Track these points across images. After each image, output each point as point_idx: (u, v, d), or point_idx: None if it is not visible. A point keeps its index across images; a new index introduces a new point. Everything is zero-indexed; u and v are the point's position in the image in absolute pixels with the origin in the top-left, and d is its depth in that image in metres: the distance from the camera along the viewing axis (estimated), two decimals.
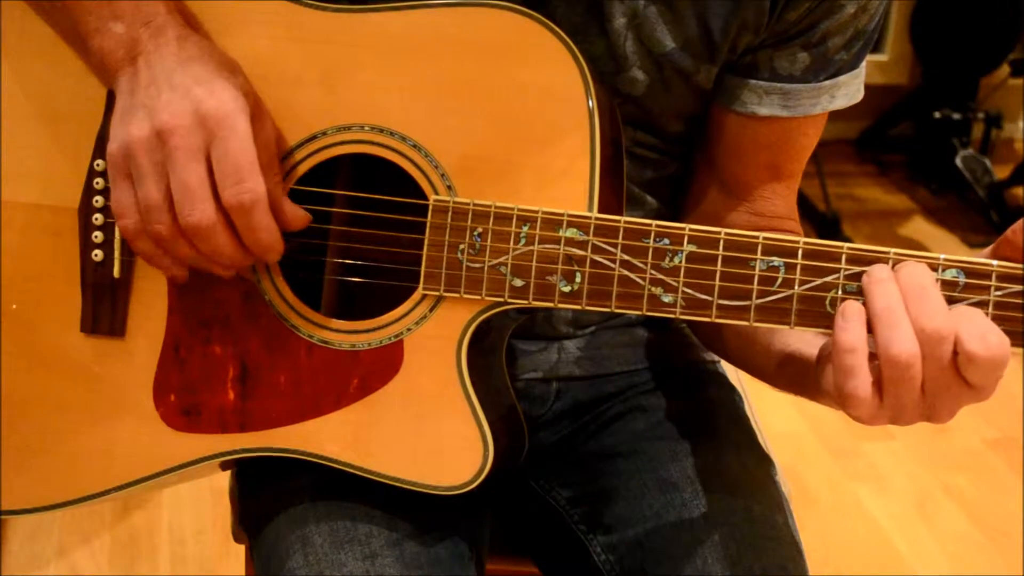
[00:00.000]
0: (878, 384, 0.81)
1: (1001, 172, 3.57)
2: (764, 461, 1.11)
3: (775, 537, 1.02)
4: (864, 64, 1.02)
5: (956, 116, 3.60)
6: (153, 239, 0.88)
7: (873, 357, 0.81)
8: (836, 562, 2.14)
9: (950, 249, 3.37)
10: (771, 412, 2.46)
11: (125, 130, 0.87)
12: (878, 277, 0.82)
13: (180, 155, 0.85)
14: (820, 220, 3.34)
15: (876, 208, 3.63)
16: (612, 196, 0.93)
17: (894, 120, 3.81)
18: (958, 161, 3.55)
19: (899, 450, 2.47)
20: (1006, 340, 0.79)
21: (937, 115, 3.61)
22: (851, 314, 0.82)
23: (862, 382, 0.80)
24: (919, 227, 3.50)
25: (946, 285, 0.82)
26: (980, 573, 2.14)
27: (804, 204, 3.41)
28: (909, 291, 0.80)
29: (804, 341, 0.93)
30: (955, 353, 0.79)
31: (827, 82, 0.99)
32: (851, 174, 3.78)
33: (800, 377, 0.92)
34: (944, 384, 0.80)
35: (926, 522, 2.26)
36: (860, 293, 0.83)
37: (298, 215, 0.92)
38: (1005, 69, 3.59)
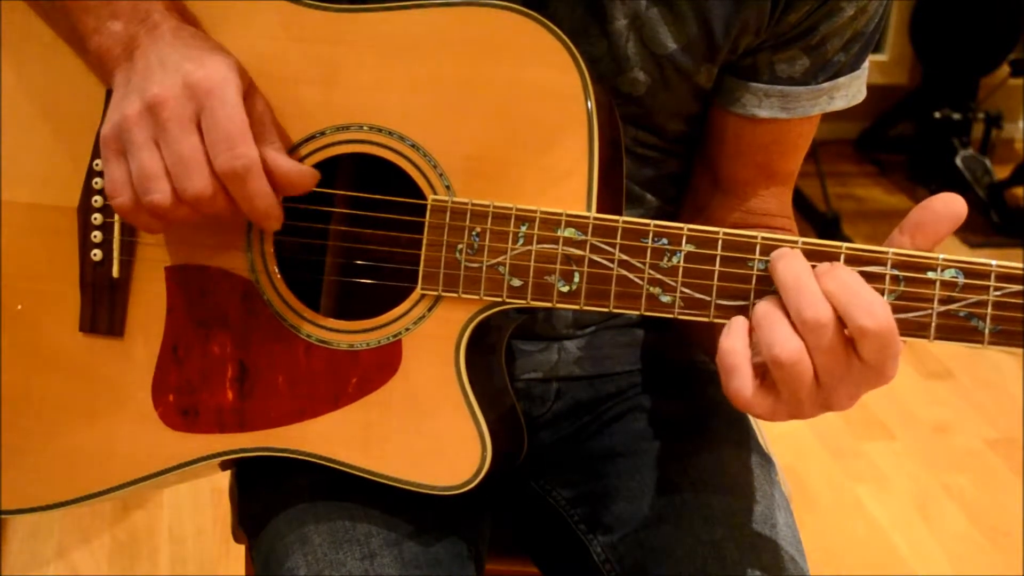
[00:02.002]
0: (768, 383, 0.81)
1: (1001, 172, 3.57)
2: (764, 461, 1.11)
3: (775, 537, 1.01)
4: (866, 65, 1.02)
5: (956, 116, 3.61)
6: (150, 211, 0.87)
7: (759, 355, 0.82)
8: (836, 562, 2.14)
9: (950, 249, 3.31)
10: None
11: (118, 112, 0.87)
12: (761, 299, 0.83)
13: (172, 126, 0.85)
14: (820, 220, 3.35)
15: (876, 208, 3.63)
16: (612, 196, 0.93)
17: (894, 120, 3.81)
18: (958, 161, 3.55)
19: (899, 450, 2.47)
20: (889, 309, 0.80)
21: (937, 115, 3.61)
22: (733, 323, 0.83)
23: (744, 382, 0.81)
24: None
25: (945, 285, 0.82)
26: (980, 573, 2.14)
27: (804, 204, 3.41)
28: (784, 285, 0.81)
29: None
30: (847, 337, 0.79)
31: (826, 84, 0.99)
32: (851, 174, 3.78)
33: None
34: (838, 371, 0.80)
35: (926, 522, 2.26)
36: None
37: (306, 173, 0.90)
38: (1005, 69, 3.59)
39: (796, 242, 0.84)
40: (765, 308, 0.82)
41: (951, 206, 0.82)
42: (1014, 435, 2.49)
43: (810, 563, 1.03)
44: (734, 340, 0.82)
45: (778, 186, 1.06)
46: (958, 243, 3.38)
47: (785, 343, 0.79)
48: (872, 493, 2.34)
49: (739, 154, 1.04)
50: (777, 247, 0.84)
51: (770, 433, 1.22)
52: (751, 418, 1.18)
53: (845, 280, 0.80)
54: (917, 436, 2.51)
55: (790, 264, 0.82)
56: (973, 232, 3.42)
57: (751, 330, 0.83)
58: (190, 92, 0.85)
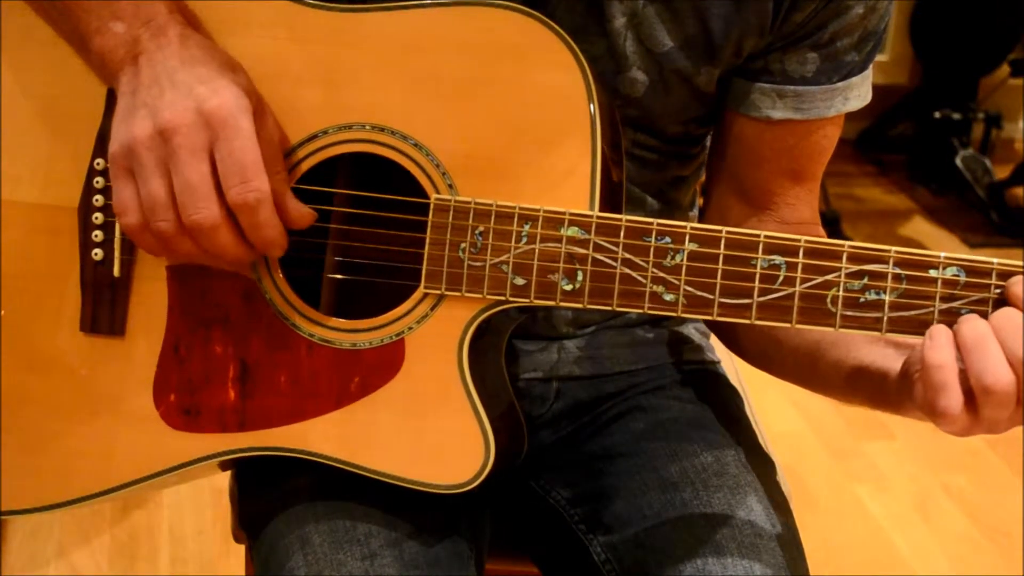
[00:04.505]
0: (972, 401, 0.81)
1: (1001, 172, 3.57)
2: (764, 461, 1.11)
3: (775, 537, 1.01)
4: (871, 65, 1.03)
5: (956, 116, 3.61)
6: (156, 236, 0.88)
7: (963, 373, 0.81)
8: (836, 562, 2.14)
9: (950, 249, 3.34)
10: (771, 412, 2.46)
11: (127, 129, 0.87)
12: (966, 316, 0.83)
13: (183, 154, 0.85)
14: (820, 220, 3.34)
15: (876, 208, 3.63)
16: (612, 197, 0.93)
17: (894, 120, 3.81)
18: (958, 161, 3.55)
19: (899, 450, 2.47)
20: None
21: (937, 115, 3.61)
22: (938, 335, 0.82)
23: (954, 400, 0.81)
24: (919, 227, 3.50)
25: (946, 283, 0.82)
26: (980, 573, 2.14)
27: None
28: (998, 325, 0.81)
29: (881, 354, 0.93)
30: None
31: (840, 84, 1.00)
32: (851, 174, 3.78)
33: (879, 391, 0.92)
34: None
35: (926, 522, 2.26)
36: (861, 292, 0.83)
37: (303, 213, 0.92)
38: (1005, 69, 3.59)
39: (799, 241, 0.85)
40: (976, 331, 0.81)
41: None
42: (1014, 435, 2.46)
43: (810, 563, 1.03)
44: (942, 354, 0.82)
45: (805, 192, 1.06)
46: (958, 243, 3.38)
47: (997, 374, 0.80)
48: (872, 493, 2.34)
49: (762, 160, 1.04)
50: (780, 246, 0.84)
51: (770, 433, 1.23)
52: (751, 418, 1.18)
53: None
54: (917, 436, 2.50)
55: (1007, 311, 0.82)
56: (973, 232, 3.42)
57: (956, 344, 0.82)
58: (203, 121, 0.85)
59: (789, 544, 1.02)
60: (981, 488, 2.37)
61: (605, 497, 1.07)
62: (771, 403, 2.46)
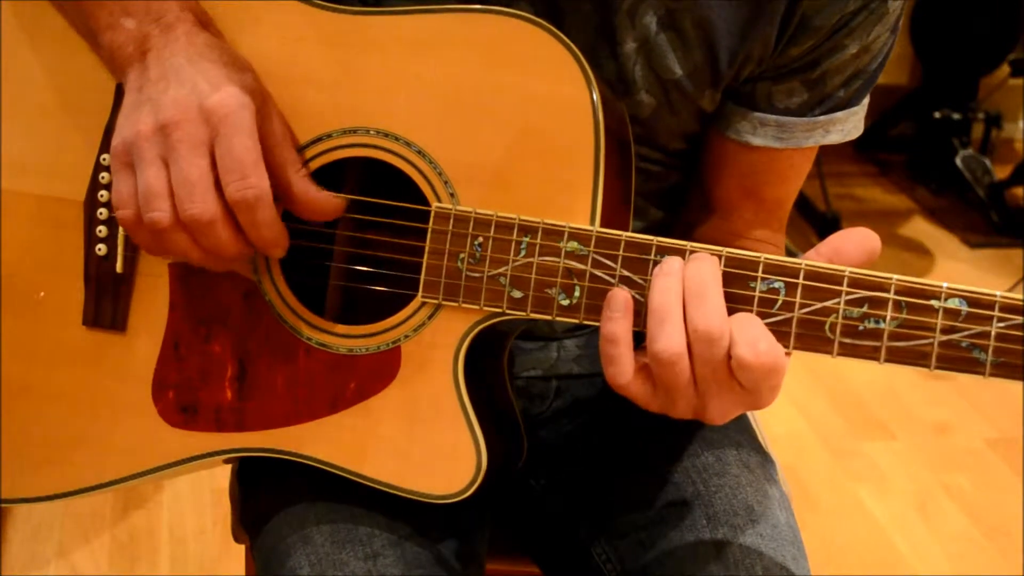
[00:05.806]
0: (648, 373, 0.83)
1: (1001, 172, 3.57)
2: (764, 460, 1.11)
3: (776, 537, 1.02)
4: (866, 101, 1.02)
5: (956, 116, 3.61)
6: (150, 229, 0.88)
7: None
8: (836, 562, 2.14)
9: (950, 249, 3.37)
10: (771, 412, 2.44)
11: (130, 124, 0.87)
12: (665, 271, 0.83)
13: (183, 148, 0.85)
14: (820, 220, 3.34)
15: (876, 208, 3.63)
16: (620, 206, 0.93)
17: (894, 120, 3.81)
18: (958, 161, 3.55)
19: (899, 450, 2.47)
20: (777, 348, 0.80)
21: (937, 115, 3.61)
22: (616, 304, 0.84)
23: (623, 370, 0.83)
24: (919, 227, 3.50)
25: (948, 314, 0.80)
26: (980, 573, 2.14)
27: (804, 204, 3.41)
28: (689, 288, 0.81)
29: None
30: (729, 356, 0.80)
31: (822, 117, 0.99)
32: (851, 174, 3.78)
33: None
34: (716, 384, 0.81)
35: (926, 522, 2.26)
36: (860, 319, 0.82)
37: (335, 203, 0.91)
38: (1005, 69, 3.59)
39: (800, 264, 0.83)
40: (665, 298, 0.82)
41: (869, 242, 0.82)
42: (1014, 435, 2.49)
43: (810, 563, 1.03)
44: (615, 326, 0.83)
45: (766, 213, 1.06)
46: (958, 243, 3.38)
47: (669, 340, 0.80)
48: (872, 493, 2.34)
49: (728, 177, 1.04)
50: (780, 267, 0.83)
51: (770, 433, 1.23)
52: (751, 418, 1.18)
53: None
54: (917, 436, 2.51)
55: (701, 269, 0.82)
56: (973, 232, 3.42)
57: (635, 310, 0.83)
58: (204, 116, 0.85)
59: (790, 544, 1.02)
60: (981, 488, 2.37)
61: (605, 496, 1.08)
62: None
